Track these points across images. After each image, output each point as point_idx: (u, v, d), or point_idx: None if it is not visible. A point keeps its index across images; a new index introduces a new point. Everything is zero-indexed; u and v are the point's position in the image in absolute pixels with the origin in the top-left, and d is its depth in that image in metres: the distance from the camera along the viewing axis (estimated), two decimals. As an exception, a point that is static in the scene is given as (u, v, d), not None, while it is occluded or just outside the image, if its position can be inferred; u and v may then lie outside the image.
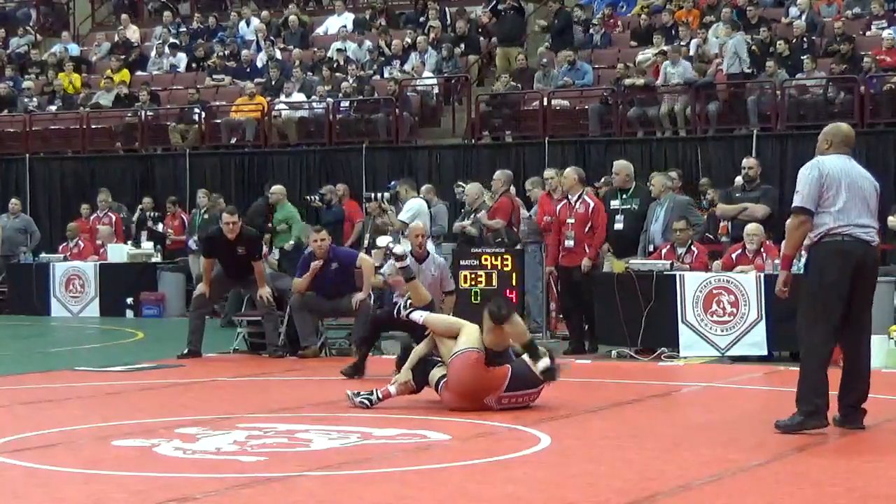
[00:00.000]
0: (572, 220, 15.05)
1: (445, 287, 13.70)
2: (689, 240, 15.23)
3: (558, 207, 15.36)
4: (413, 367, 10.63)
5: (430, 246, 17.53)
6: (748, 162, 16.37)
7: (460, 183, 19.15)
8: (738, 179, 16.84)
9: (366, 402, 10.57)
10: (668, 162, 20.65)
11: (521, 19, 25.55)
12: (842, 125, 9.73)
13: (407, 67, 25.37)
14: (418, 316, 10.92)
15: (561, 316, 16.24)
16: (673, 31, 23.41)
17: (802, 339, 9.34)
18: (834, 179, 9.17)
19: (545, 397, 11.02)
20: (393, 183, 19.10)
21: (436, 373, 10.54)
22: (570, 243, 15.00)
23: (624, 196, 15.82)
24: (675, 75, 22.06)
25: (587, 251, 14.96)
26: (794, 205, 9.32)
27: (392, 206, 17.70)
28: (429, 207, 17.66)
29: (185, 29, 30.08)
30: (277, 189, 20.39)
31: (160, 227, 23.03)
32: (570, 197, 15.25)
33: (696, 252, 15.20)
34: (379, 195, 18.58)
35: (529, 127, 23.27)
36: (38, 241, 23.49)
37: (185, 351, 15.07)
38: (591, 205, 15.15)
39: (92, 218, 23.57)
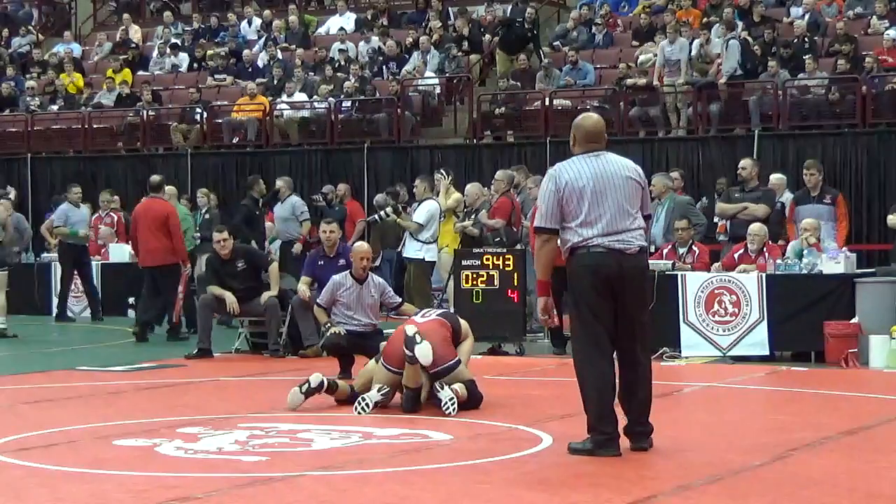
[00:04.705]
0: None
1: (391, 304, 13.20)
2: (690, 239, 15.24)
3: None
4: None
5: (433, 252, 17.56)
6: (743, 163, 16.35)
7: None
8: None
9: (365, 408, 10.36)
10: (669, 162, 20.66)
11: (529, 34, 25.32)
12: (589, 117, 8.70)
13: (409, 67, 25.38)
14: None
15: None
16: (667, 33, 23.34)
17: (576, 365, 8.40)
18: (573, 190, 8.27)
19: (547, 397, 11.02)
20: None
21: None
22: None
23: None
24: (673, 54, 22.14)
25: None
26: (533, 224, 8.57)
27: (394, 215, 17.73)
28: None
29: (186, 29, 30.11)
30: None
31: None
32: None
33: (697, 252, 15.20)
34: (381, 214, 18.62)
35: (531, 127, 23.29)
36: (30, 239, 23.39)
37: (195, 350, 15.05)
38: None
39: (93, 218, 23.54)
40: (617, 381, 8.35)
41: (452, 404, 10.07)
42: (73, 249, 20.53)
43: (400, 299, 13.46)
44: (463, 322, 10.98)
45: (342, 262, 14.32)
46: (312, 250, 15.07)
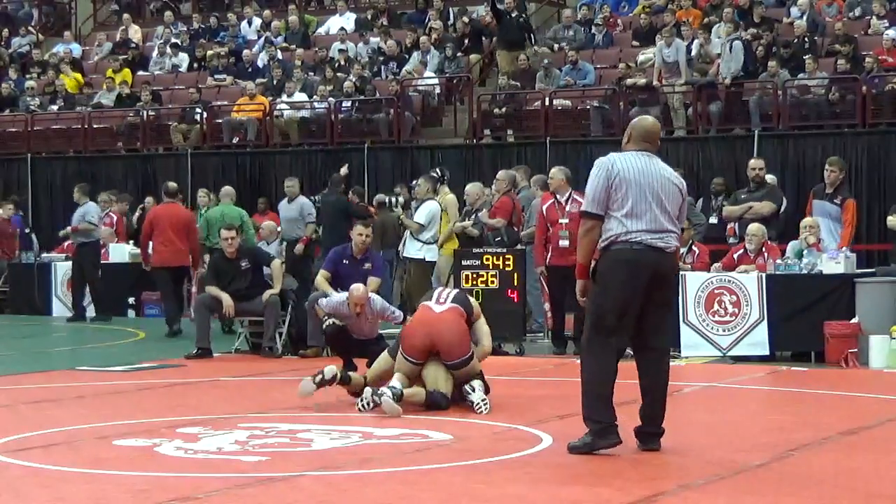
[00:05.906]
0: (566, 220, 14.92)
1: (395, 321, 13.10)
2: (690, 239, 15.23)
3: (545, 207, 15.20)
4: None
5: (434, 252, 17.53)
6: (755, 163, 16.33)
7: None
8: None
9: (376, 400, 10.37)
10: (669, 162, 20.56)
11: (525, 27, 25.26)
12: (647, 118, 8.87)
13: (408, 67, 25.38)
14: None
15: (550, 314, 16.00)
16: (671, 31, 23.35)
17: (583, 353, 8.48)
18: (624, 179, 8.26)
19: (547, 397, 11.01)
20: (414, 182, 19.05)
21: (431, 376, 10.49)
22: (565, 243, 14.81)
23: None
24: (670, 56, 22.14)
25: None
26: (580, 209, 8.65)
27: (400, 208, 17.65)
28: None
29: (186, 29, 30.11)
30: None
31: None
32: (558, 197, 15.16)
33: (697, 252, 15.21)
34: (392, 199, 18.58)
35: (531, 127, 23.29)
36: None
37: (195, 351, 15.01)
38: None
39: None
40: (639, 383, 8.41)
41: (485, 405, 10.24)
42: (77, 249, 20.65)
43: (401, 314, 13.38)
44: (472, 300, 11.07)
45: (367, 265, 14.13)
46: (339, 246, 14.89)
